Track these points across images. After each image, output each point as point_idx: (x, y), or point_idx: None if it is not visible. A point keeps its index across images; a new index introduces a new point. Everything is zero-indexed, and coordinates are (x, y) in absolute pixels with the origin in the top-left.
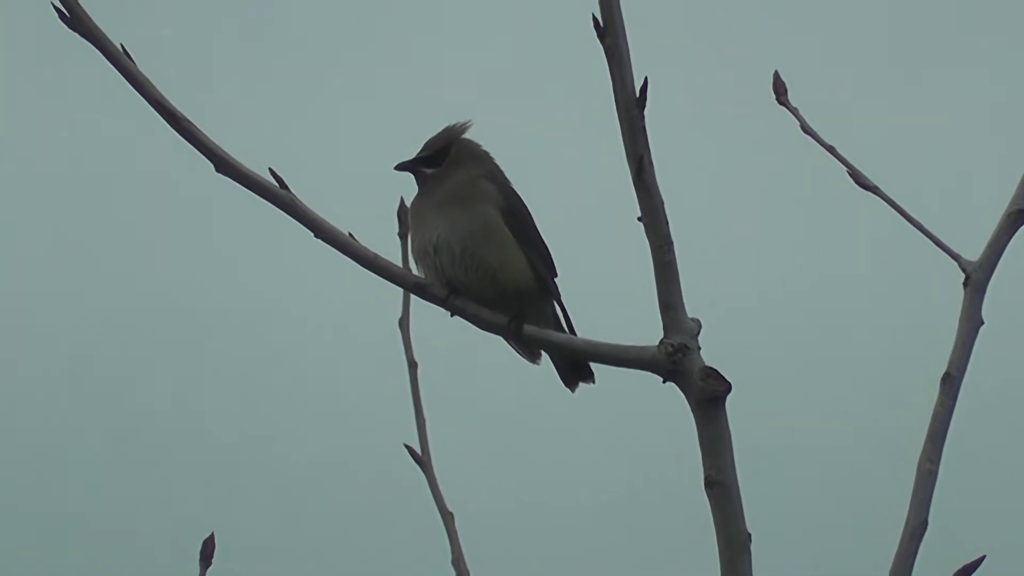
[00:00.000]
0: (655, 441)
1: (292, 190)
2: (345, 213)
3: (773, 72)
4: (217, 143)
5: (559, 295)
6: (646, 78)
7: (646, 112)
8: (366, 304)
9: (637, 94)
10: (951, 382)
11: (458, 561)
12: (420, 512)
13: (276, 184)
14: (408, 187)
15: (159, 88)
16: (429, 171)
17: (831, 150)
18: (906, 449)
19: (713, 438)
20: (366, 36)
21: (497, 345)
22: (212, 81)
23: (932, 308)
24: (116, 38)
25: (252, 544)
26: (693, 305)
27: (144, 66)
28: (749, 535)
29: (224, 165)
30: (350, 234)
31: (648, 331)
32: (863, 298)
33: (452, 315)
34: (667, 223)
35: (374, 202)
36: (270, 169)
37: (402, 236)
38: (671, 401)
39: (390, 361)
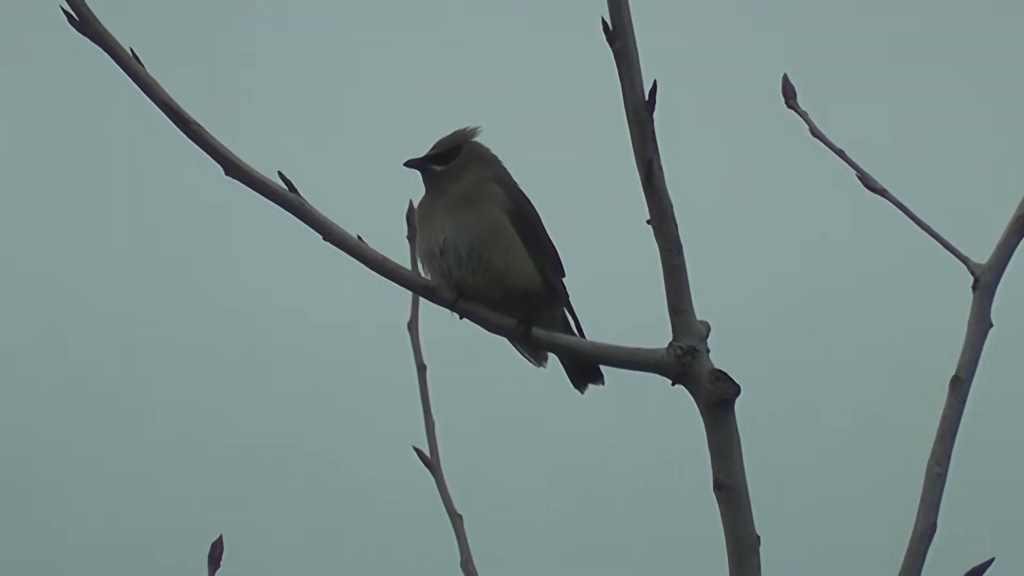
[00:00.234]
0: (664, 444)
1: (301, 193)
2: (354, 216)
3: (782, 76)
4: (226, 146)
5: (568, 298)
6: (655, 81)
7: (655, 116)
8: (375, 307)
9: (646, 97)
10: (960, 385)
11: (467, 563)
12: (429, 514)
13: (285, 187)
14: (417, 190)
15: (168, 91)
16: (438, 168)
17: (840, 153)
18: (915, 452)
19: (722, 441)
20: (375, 40)
21: (506, 347)
22: (220, 84)
23: (941, 311)
24: (124, 41)
25: (261, 545)
26: (702, 308)
27: (152, 69)
28: (758, 537)
29: (233, 168)
30: (359, 237)
31: (657, 334)
32: (872, 301)
33: (461, 318)
34: (676, 226)
35: (383, 205)
36: (279, 172)
37: (411, 239)
38: (680, 404)
39: (399, 364)
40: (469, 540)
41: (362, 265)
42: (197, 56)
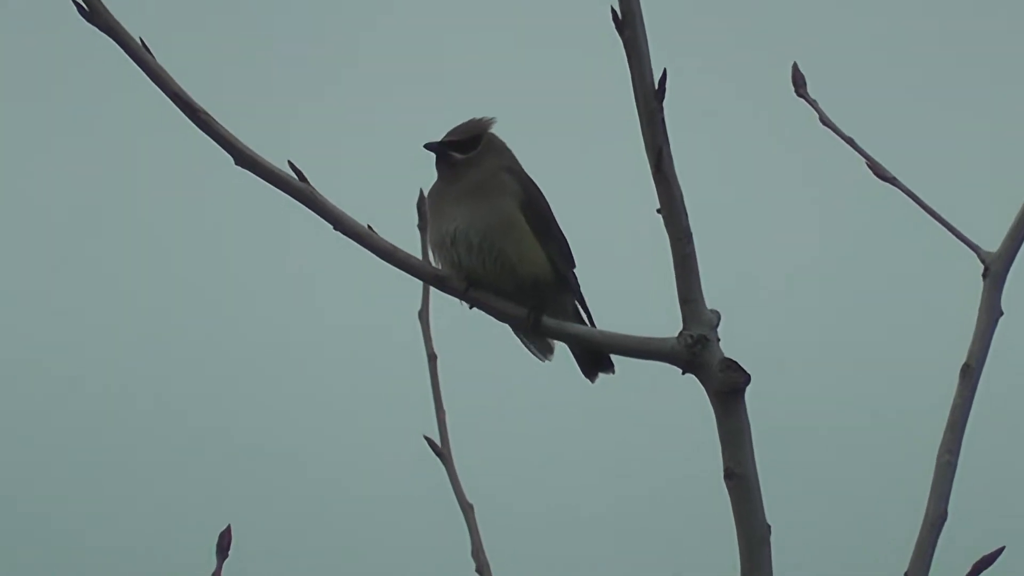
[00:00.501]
0: (674, 433)
1: (311, 183)
2: (364, 206)
3: (792, 64)
4: (236, 136)
5: (578, 287)
6: (665, 70)
7: (665, 104)
8: (385, 297)
9: (656, 86)
10: (970, 373)
11: (477, 552)
12: (440, 504)
13: (295, 177)
14: (427, 180)
15: (177, 81)
16: (458, 156)
17: (850, 142)
18: (925, 440)
19: (732, 430)
20: (383, 29)
21: (516, 337)
22: (229, 74)
23: (951, 299)
24: (134, 31)
25: (272, 536)
26: (712, 297)
27: (161, 59)
28: (769, 527)
29: (243, 158)
30: (369, 227)
31: (667, 323)
32: (882, 289)
33: (471, 308)
34: (686, 215)
35: (393, 195)
36: (289, 162)
37: (422, 229)
38: (690, 393)
39: (410, 353)
40: (480, 529)
41: (372, 255)
42: (205, 48)
